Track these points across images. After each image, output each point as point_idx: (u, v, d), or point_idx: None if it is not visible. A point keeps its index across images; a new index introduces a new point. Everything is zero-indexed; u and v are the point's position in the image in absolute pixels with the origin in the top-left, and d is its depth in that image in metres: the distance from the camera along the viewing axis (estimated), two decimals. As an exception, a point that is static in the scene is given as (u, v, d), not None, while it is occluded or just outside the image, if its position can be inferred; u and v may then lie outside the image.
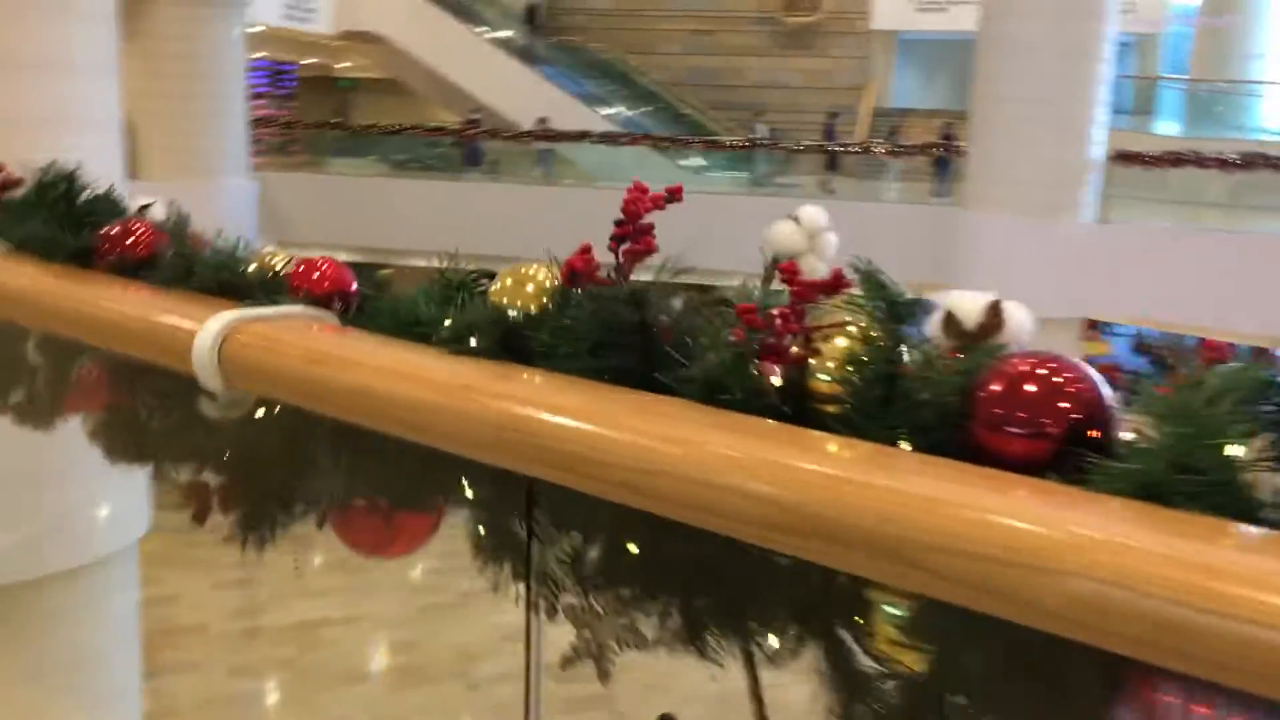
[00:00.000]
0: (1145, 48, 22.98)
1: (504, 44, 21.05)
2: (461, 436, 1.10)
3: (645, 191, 1.23)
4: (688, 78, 22.50)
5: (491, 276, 1.32)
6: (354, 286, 1.49)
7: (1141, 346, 21.14)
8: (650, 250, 1.20)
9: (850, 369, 1.01)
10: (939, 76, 24.78)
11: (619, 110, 21.17)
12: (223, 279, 1.53)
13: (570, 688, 1.45)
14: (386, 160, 20.28)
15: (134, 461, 1.72)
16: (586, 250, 1.21)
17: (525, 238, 16.96)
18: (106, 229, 1.70)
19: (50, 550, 5.34)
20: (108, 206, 1.86)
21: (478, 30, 20.63)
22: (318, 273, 1.46)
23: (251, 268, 1.53)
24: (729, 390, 1.04)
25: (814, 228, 1.43)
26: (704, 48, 23.09)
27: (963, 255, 13.91)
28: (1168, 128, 21.06)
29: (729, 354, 1.06)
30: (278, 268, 1.50)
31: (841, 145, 17.54)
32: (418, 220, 17.04)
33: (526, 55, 20.85)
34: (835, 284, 1.06)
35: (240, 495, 1.51)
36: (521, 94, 19.56)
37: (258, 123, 17.19)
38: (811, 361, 1.03)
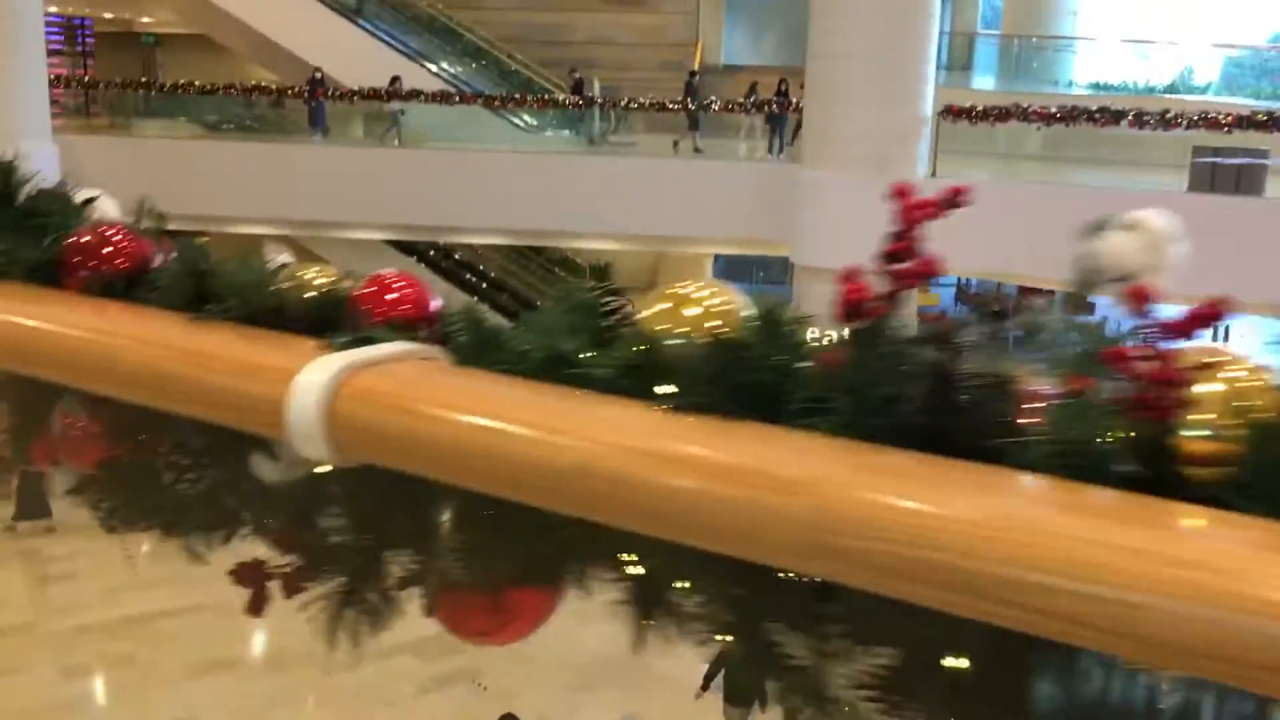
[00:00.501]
0: (960, 3, 23.69)
1: (322, -2, 20.12)
2: (772, 543, 0.81)
3: (912, 194, 0.97)
4: (515, 34, 22.02)
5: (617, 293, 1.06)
6: (437, 307, 1.20)
7: (963, 295, 21.99)
8: (933, 272, 0.97)
9: (1240, 421, 0.77)
10: (768, 33, 24.99)
11: (447, 68, 20.58)
12: (258, 304, 1.18)
13: None
14: (198, 122, 19.22)
15: (146, 529, 1.34)
16: (856, 275, 0.95)
17: (353, 201, 16.37)
18: (76, 237, 1.36)
19: None
20: (58, 205, 1.49)
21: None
22: (395, 293, 1.16)
23: (294, 288, 1.20)
24: (1094, 458, 0.79)
25: (1158, 237, 1.16)
26: (532, 3, 22.62)
27: (802, 213, 14.09)
28: (984, 82, 21.81)
29: (1098, 412, 0.82)
30: (335, 288, 1.19)
31: (694, 103, 17.39)
32: (238, 185, 16.20)
33: (347, 10, 19.98)
34: (1214, 313, 0.82)
35: (314, 575, 1.18)
36: (343, 51, 18.76)
37: (54, 83, 15.98)
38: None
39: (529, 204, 16.19)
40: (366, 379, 0.99)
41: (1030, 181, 14.60)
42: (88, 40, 24.50)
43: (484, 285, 21.42)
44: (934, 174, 13.96)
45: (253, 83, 19.08)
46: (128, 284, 1.30)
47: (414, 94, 17.26)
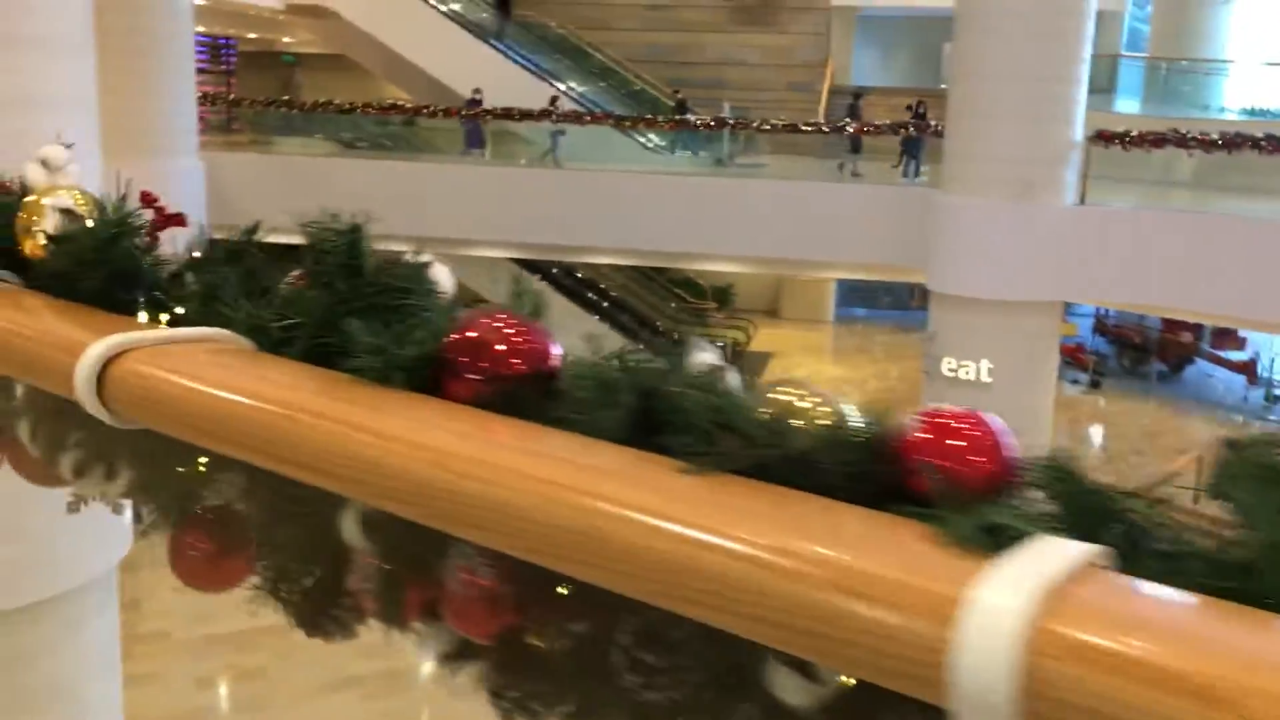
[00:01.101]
0: (1103, 24, 22.93)
1: (457, 18, 20.42)
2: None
3: None
4: (646, 54, 22.04)
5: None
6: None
7: (1101, 326, 21.21)
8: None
9: None
10: (899, 54, 24.59)
11: (577, 88, 20.69)
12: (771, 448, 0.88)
13: None
14: (334, 139, 19.63)
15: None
16: None
17: (483, 219, 16.49)
18: (462, 330, 1.10)
19: (27, 580, 4.87)
20: (412, 278, 1.24)
21: (432, 3, 19.98)
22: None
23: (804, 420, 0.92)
24: None
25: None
26: (662, 24, 22.64)
27: (939, 238, 13.70)
28: (1127, 105, 21.07)
29: None
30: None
31: (855, 126, 17.11)
32: (373, 202, 16.29)
33: (481, 30, 20.24)
34: None
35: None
36: (476, 70, 18.99)
37: (200, 100, 16.47)
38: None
39: (655, 225, 16.10)
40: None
41: (1183, 210, 13.95)
42: (231, 59, 25.30)
43: (605, 304, 21.42)
44: (1082, 201, 13.45)
45: (389, 101, 19.40)
46: (534, 393, 1.04)
47: (573, 115, 17.33)
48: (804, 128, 16.84)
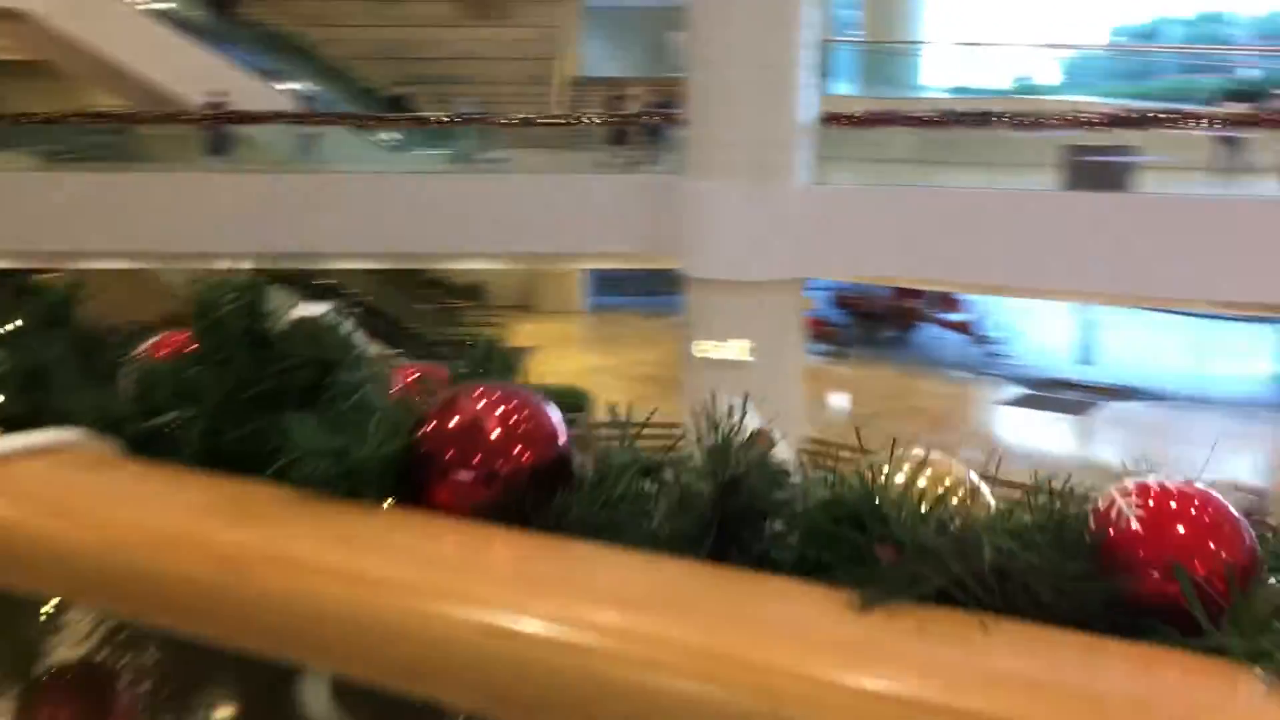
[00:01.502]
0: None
1: (166, 17, 19.20)
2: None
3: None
4: (375, 51, 21.44)
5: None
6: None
7: (840, 300, 22.33)
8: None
9: None
10: (629, 44, 24.96)
11: (302, 87, 19.88)
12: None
13: None
14: (36, 152, 18.06)
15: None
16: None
17: (207, 228, 15.55)
18: (441, 418, 0.87)
19: None
20: (335, 345, 0.98)
21: (137, 4, 18.71)
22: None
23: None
24: None
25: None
26: (394, 19, 22.09)
27: (690, 224, 14.02)
28: (842, 88, 22.22)
29: None
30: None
31: (617, 118, 17.09)
32: (83, 217, 15.26)
33: (196, 29, 19.12)
34: None
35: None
36: (191, 71, 17.92)
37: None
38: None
39: (396, 225, 15.69)
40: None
41: (908, 185, 14.86)
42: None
43: (354, 311, 20.71)
44: (817, 181, 14.08)
45: (99, 109, 18.07)
46: (550, 494, 0.82)
47: (299, 116, 16.59)
48: (546, 121, 16.77)
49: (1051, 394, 18.35)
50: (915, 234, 13.64)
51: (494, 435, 0.85)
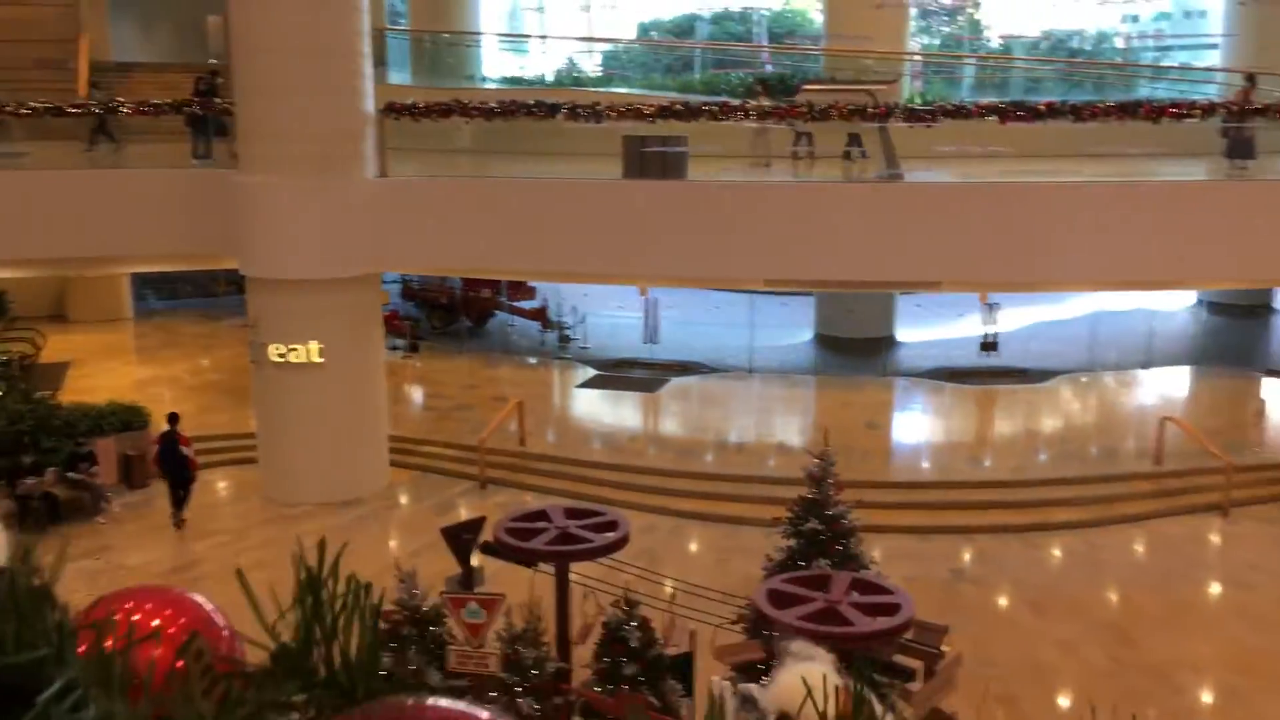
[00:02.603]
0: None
1: None
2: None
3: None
4: None
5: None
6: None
7: (409, 292, 21.98)
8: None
9: None
10: (160, 28, 23.04)
11: None
12: None
13: None
14: None
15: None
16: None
17: None
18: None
19: None
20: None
21: None
22: None
23: None
24: None
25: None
26: None
27: (247, 220, 13.12)
28: (400, 78, 21.86)
29: None
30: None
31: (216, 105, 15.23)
32: None
33: None
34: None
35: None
36: None
37: None
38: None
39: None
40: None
41: (474, 176, 14.82)
42: None
43: None
44: (384, 174, 13.67)
45: None
46: None
47: None
48: (72, 110, 15.05)
49: (622, 374, 19.17)
50: (483, 224, 13.62)
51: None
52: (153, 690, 0.54)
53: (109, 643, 0.58)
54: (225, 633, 0.68)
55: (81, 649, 0.58)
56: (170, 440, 12.90)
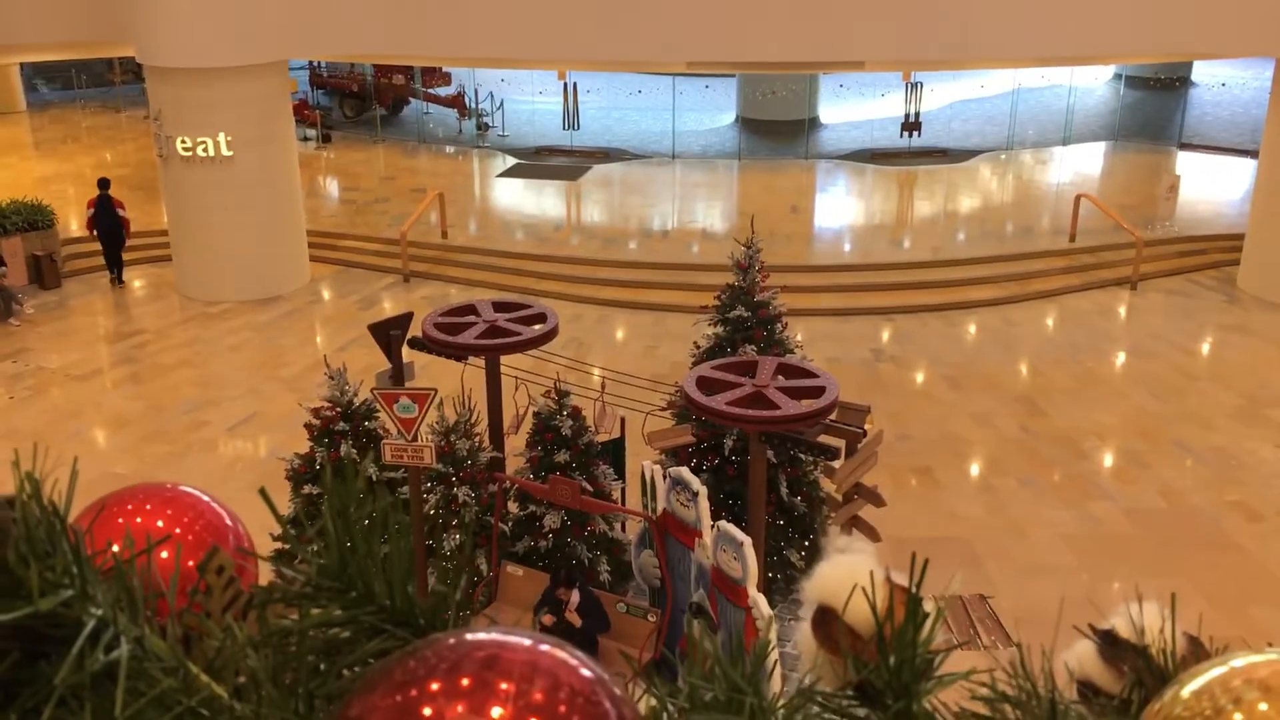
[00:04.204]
0: None
1: None
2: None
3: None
4: None
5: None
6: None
7: (316, 79, 21.10)
8: None
9: None
10: None
11: None
12: None
13: None
14: None
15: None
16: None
17: None
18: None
19: None
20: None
21: None
22: None
23: None
24: None
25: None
26: None
27: (139, 6, 12.34)
28: None
29: None
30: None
31: None
32: None
33: None
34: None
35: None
36: None
37: None
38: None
39: None
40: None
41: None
42: None
43: None
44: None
45: None
46: None
47: None
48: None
49: (543, 162, 18.84)
50: (398, 6, 13.01)
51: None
52: (177, 606, 0.54)
53: (124, 554, 0.57)
54: (232, 532, 0.68)
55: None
56: (105, 201, 13.32)
